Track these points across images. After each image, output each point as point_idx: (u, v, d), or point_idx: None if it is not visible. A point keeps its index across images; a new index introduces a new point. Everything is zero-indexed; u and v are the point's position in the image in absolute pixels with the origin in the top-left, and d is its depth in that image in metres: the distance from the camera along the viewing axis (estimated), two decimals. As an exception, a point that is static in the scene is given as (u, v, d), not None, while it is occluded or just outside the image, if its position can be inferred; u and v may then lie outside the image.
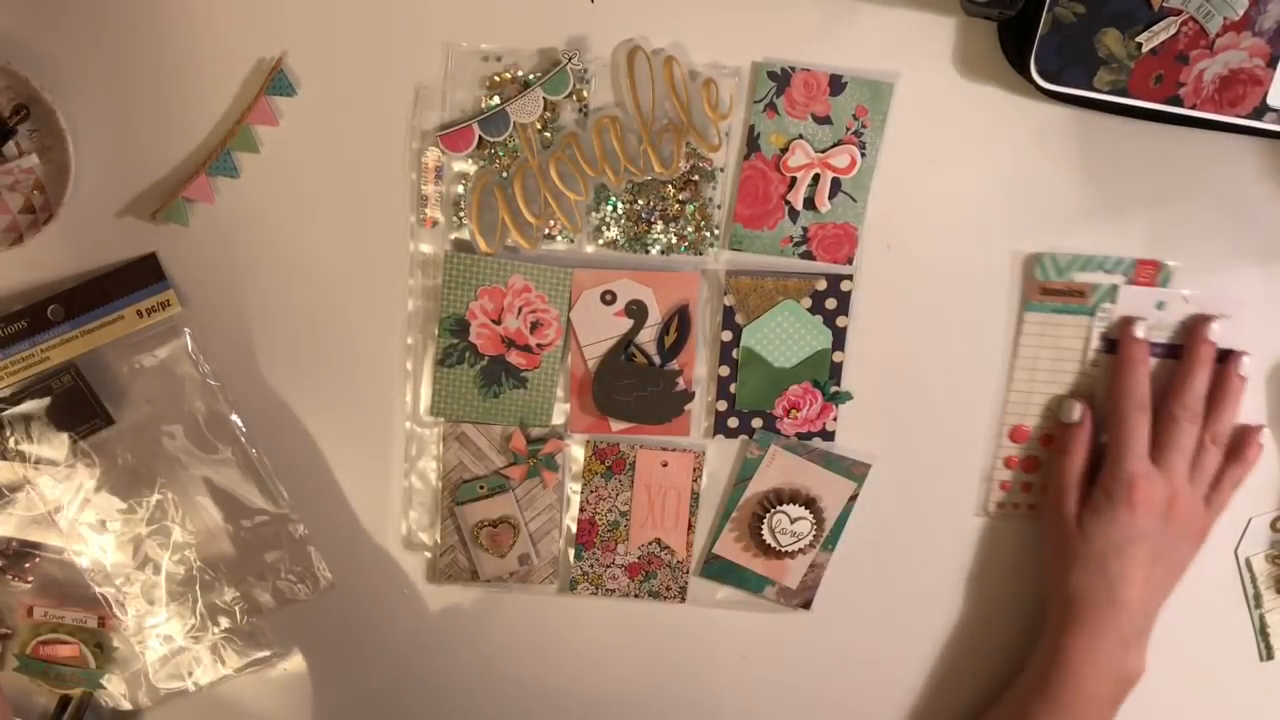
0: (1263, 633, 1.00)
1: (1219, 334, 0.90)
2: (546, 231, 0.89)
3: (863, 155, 0.88)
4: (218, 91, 0.86)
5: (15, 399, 0.89)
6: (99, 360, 0.89)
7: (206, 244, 0.89)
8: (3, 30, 0.84)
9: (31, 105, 0.84)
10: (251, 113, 0.86)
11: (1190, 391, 0.89)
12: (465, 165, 0.88)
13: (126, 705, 0.96)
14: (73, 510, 0.92)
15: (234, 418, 0.92)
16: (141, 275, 0.88)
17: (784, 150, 0.88)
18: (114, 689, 0.96)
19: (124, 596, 0.94)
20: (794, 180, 0.89)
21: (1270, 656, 1.00)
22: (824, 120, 0.88)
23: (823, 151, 0.88)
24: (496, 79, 0.87)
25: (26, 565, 0.93)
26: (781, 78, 0.87)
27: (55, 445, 0.90)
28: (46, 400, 0.89)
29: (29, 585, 0.93)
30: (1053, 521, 0.92)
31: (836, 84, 0.87)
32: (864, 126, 0.88)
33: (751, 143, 0.88)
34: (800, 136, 0.88)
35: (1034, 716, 0.91)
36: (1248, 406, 0.94)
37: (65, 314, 0.87)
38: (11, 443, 0.89)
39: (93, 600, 0.94)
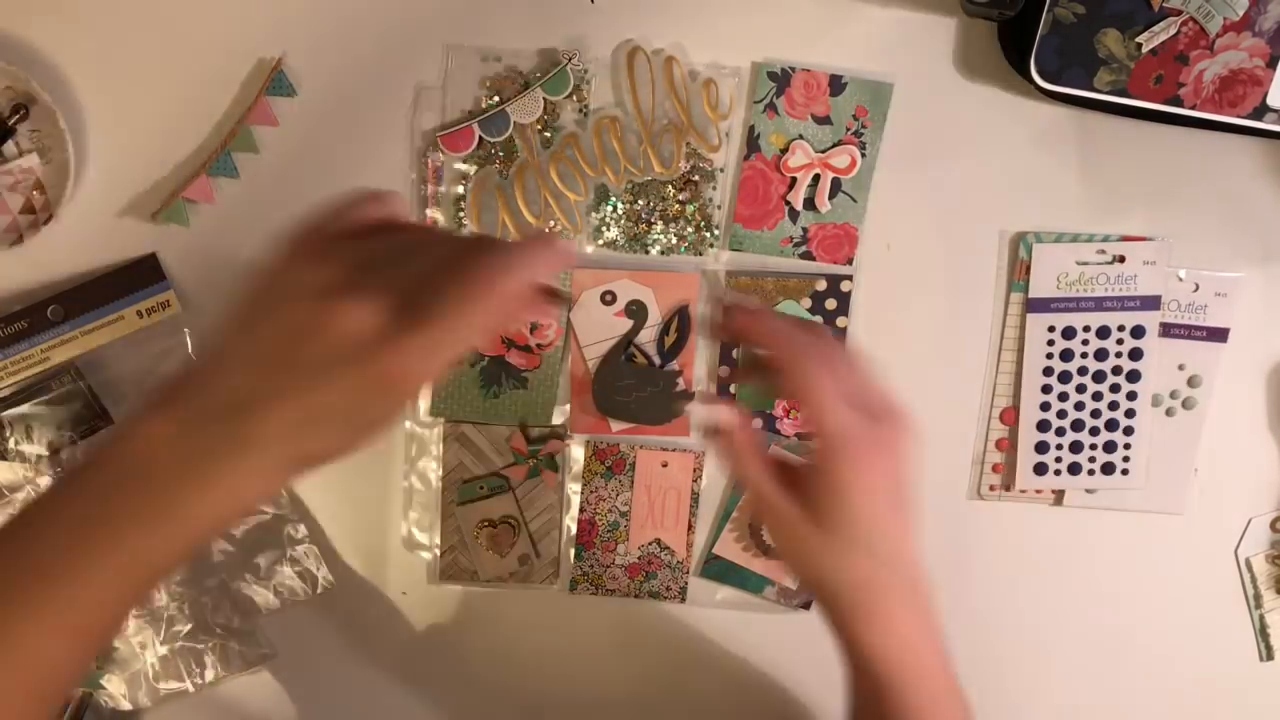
0: (1263, 633, 1.00)
1: None
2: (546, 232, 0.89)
3: (863, 155, 0.89)
4: (218, 91, 0.86)
5: (15, 399, 0.89)
6: (99, 360, 0.90)
7: (206, 244, 0.89)
8: (3, 30, 0.84)
9: (31, 105, 0.84)
10: (251, 113, 0.86)
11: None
12: (465, 165, 0.88)
13: (126, 705, 0.96)
14: None
15: (234, 418, 0.91)
16: (141, 275, 0.88)
17: (784, 150, 0.89)
18: (114, 689, 0.95)
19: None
20: (794, 180, 0.89)
21: (1270, 656, 1.00)
22: (824, 120, 0.88)
23: (823, 152, 0.89)
24: (496, 79, 0.87)
25: None
26: (781, 78, 0.87)
27: (55, 445, 0.89)
28: (46, 400, 0.89)
29: None
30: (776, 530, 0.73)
31: (836, 84, 0.88)
32: (864, 127, 0.88)
33: (751, 143, 0.88)
34: (800, 137, 0.89)
35: None
36: (1247, 406, 0.95)
37: (65, 314, 0.88)
38: (11, 443, 0.89)
39: (92, 600, 0.94)
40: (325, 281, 0.58)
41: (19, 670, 0.58)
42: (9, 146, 0.85)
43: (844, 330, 0.92)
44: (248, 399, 0.58)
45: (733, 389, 0.92)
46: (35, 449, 0.89)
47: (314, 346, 0.57)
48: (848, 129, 0.88)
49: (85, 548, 0.58)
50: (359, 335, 0.56)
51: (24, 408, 0.89)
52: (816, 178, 0.89)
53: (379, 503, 0.94)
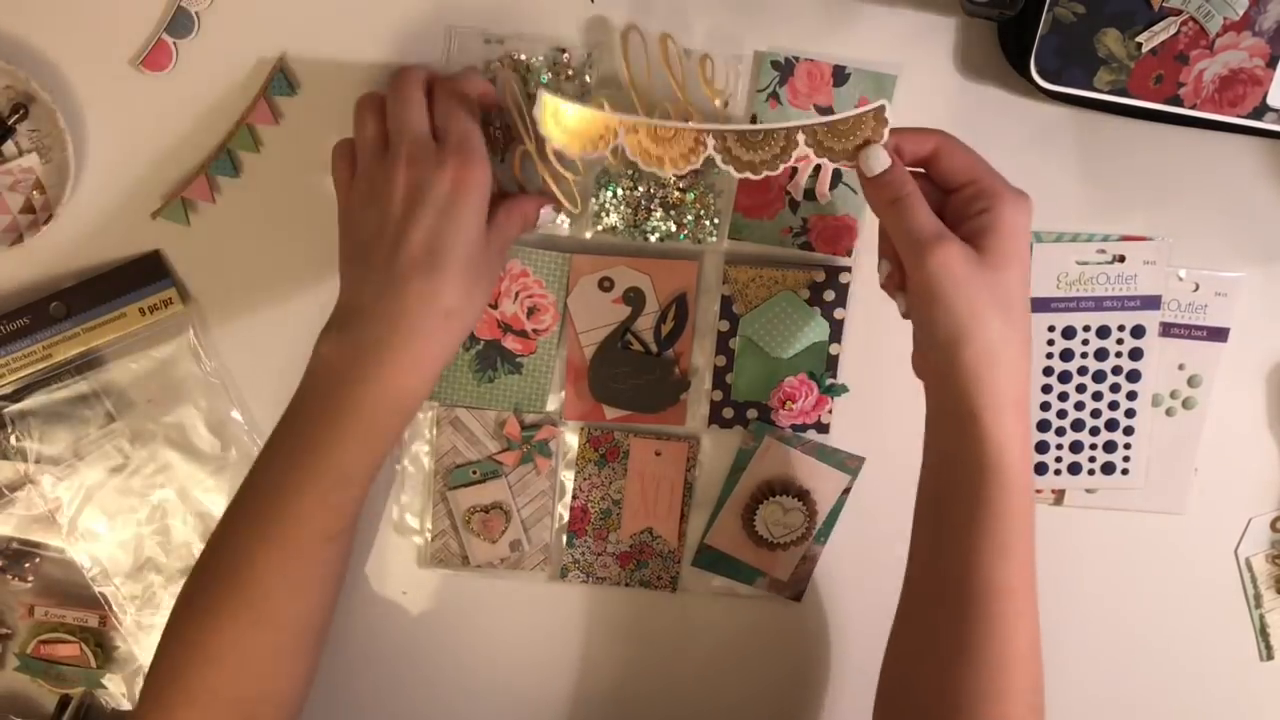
0: (1263, 633, 1.03)
1: None
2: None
3: None
4: (218, 91, 0.88)
5: (17, 396, 0.91)
6: (101, 358, 0.92)
7: (207, 243, 0.91)
8: (3, 30, 0.86)
9: (31, 105, 0.86)
10: (251, 112, 0.88)
11: None
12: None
13: (126, 705, 0.99)
14: (73, 509, 0.93)
15: (235, 415, 0.95)
16: (144, 273, 0.90)
17: None
18: (114, 688, 0.98)
19: (124, 596, 0.96)
20: (795, 170, 0.90)
21: (1270, 656, 1.03)
22: (827, 111, 0.90)
23: None
24: (499, 63, 0.89)
25: (26, 565, 0.95)
26: (785, 67, 0.90)
27: (57, 443, 0.92)
28: (48, 398, 0.91)
29: (29, 585, 0.95)
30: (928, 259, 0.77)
31: (840, 75, 0.90)
32: None
33: None
34: None
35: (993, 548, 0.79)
36: (1247, 406, 0.98)
37: (67, 311, 0.89)
38: (13, 440, 0.91)
39: (93, 600, 0.96)
40: (371, 164, 0.81)
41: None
42: (9, 146, 0.87)
43: (841, 322, 0.95)
44: (371, 292, 0.79)
45: (729, 379, 0.96)
46: (36, 447, 0.92)
47: (392, 210, 0.79)
48: (850, 120, 0.91)
49: (300, 474, 0.80)
50: (416, 179, 0.78)
51: (25, 405, 0.91)
52: (817, 169, 0.90)
53: (371, 487, 0.94)
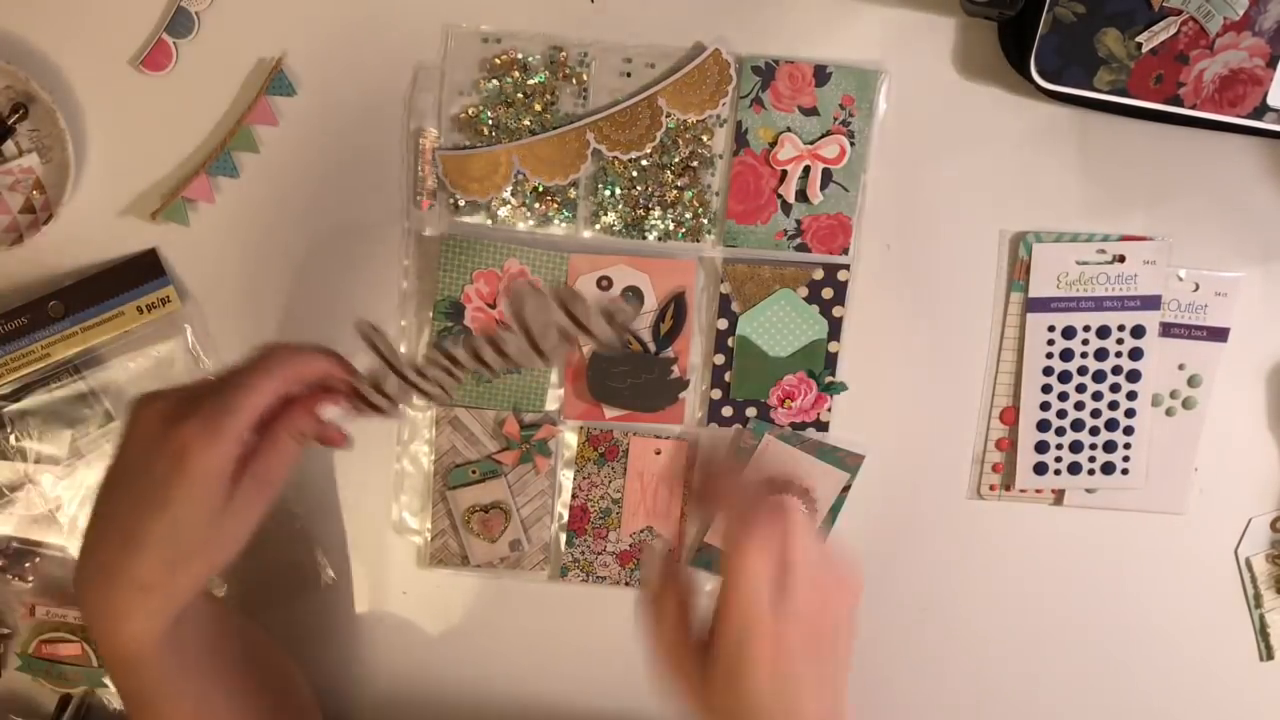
0: (1263, 633, 1.04)
1: None
2: (544, 213, 0.94)
3: (851, 145, 0.93)
4: (218, 91, 0.90)
5: (16, 396, 0.92)
6: (99, 356, 0.93)
7: (206, 242, 0.93)
8: (3, 30, 0.88)
9: (31, 105, 0.87)
10: (251, 113, 0.90)
11: None
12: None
13: None
14: (74, 508, 0.95)
15: (234, 413, 0.97)
16: (142, 271, 0.91)
17: (773, 144, 0.93)
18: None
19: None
20: (784, 173, 0.93)
21: (1270, 656, 1.05)
22: (811, 112, 0.92)
23: (811, 143, 0.93)
24: (497, 61, 0.91)
25: (27, 565, 0.96)
26: (766, 72, 0.91)
27: (56, 442, 0.93)
28: (47, 397, 0.93)
29: (30, 585, 0.96)
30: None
31: (821, 74, 0.92)
32: (851, 116, 0.92)
33: (740, 138, 0.92)
34: (788, 129, 0.92)
35: None
36: (1247, 406, 1.00)
37: (65, 310, 0.91)
38: (12, 440, 0.93)
39: (94, 599, 0.97)
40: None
41: None
42: (9, 146, 0.88)
43: (839, 320, 0.96)
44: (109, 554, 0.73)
45: (728, 377, 0.97)
46: (36, 446, 0.93)
47: (117, 461, 0.73)
48: (835, 119, 0.92)
49: None
50: (147, 427, 0.71)
51: (24, 404, 0.92)
52: (807, 169, 0.93)
53: (370, 487, 0.99)
